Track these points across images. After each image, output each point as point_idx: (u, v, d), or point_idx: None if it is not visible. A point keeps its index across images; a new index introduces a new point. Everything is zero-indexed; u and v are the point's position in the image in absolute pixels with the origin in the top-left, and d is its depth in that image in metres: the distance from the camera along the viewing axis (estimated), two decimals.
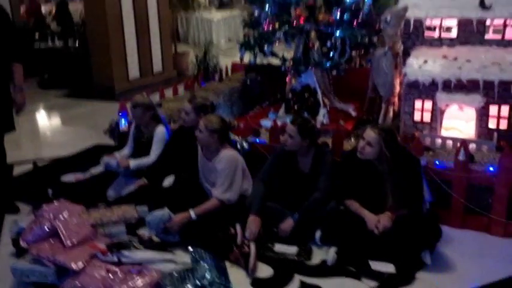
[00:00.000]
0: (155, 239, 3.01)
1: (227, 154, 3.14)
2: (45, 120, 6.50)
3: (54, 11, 8.79)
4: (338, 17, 4.43)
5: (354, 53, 4.94)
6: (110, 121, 4.22)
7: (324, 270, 2.82)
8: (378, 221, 2.84)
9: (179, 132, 3.60)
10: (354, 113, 4.87)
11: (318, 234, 3.04)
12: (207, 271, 2.53)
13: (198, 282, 2.47)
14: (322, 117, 4.65)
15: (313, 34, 4.62)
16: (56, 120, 6.50)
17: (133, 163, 3.55)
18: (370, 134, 2.86)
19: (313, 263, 2.91)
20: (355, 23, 4.51)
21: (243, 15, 7.27)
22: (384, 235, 2.82)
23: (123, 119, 4.10)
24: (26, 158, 4.57)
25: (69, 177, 3.76)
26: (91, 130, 4.57)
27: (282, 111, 4.89)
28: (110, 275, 2.54)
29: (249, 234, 2.97)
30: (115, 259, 2.66)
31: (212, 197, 3.10)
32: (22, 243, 2.78)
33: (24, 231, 2.84)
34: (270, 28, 4.69)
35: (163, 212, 2.98)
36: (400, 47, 4.40)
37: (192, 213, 3.00)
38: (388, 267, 2.78)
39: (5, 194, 3.53)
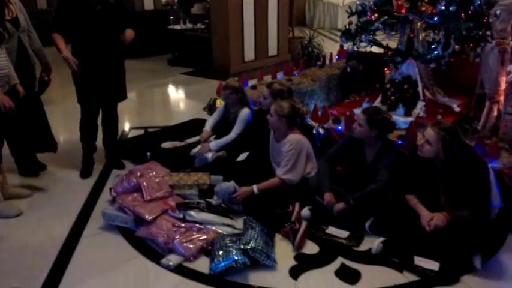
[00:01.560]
0: (222, 206, 3.39)
1: (293, 137, 3.35)
2: (166, 93, 7.35)
3: None
4: (443, 8, 4.27)
5: (462, 46, 4.70)
6: (209, 99, 4.70)
7: (368, 257, 2.90)
8: (431, 219, 2.83)
9: (257, 115, 3.91)
10: (457, 109, 4.67)
11: (368, 222, 3.12)
12: (253, 239, 2.80)
13: (242, 246, 2.76)
14: (418, 110, 4.56)
15: (418, 25, 4.53)
16: (175, 94, 7.33)
17: (213, 145, 3.94)
18: (429, 132, 2.84)
19: (359, 249, 3.00)
20: (462, 15, 4.31)
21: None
22: (435, 233, 2.79)
23: (219, 99, 4.55)
24: (142, 124, 5.33)
25: (167, 144, 4.30)
26: (201, 105, 5.11)
27: (378, 101, 4.88)
28: (174, 228, 2.99)
29: (335, 210, 3.16)
30: (181, 216, 3.08)
31: (275, 176, 3.36)
32: (112, 193, 3.38)
33: (115, 184, 3.44)
34: (372, 18, 4.71)
35: (230, 185, 3.33)
36: (509, 43, 4.09)
37: (255, 188, 3.29)
38: (432, 265, 2.76)
39: (114, 153, 4.21)
